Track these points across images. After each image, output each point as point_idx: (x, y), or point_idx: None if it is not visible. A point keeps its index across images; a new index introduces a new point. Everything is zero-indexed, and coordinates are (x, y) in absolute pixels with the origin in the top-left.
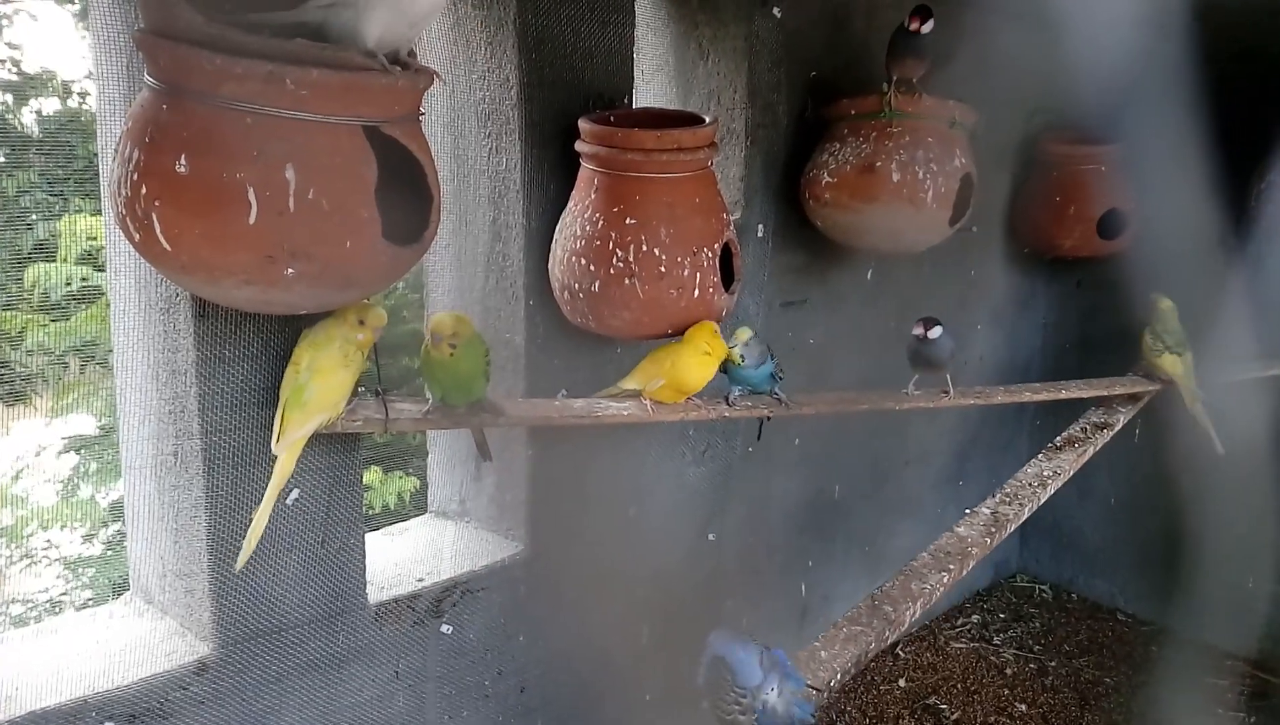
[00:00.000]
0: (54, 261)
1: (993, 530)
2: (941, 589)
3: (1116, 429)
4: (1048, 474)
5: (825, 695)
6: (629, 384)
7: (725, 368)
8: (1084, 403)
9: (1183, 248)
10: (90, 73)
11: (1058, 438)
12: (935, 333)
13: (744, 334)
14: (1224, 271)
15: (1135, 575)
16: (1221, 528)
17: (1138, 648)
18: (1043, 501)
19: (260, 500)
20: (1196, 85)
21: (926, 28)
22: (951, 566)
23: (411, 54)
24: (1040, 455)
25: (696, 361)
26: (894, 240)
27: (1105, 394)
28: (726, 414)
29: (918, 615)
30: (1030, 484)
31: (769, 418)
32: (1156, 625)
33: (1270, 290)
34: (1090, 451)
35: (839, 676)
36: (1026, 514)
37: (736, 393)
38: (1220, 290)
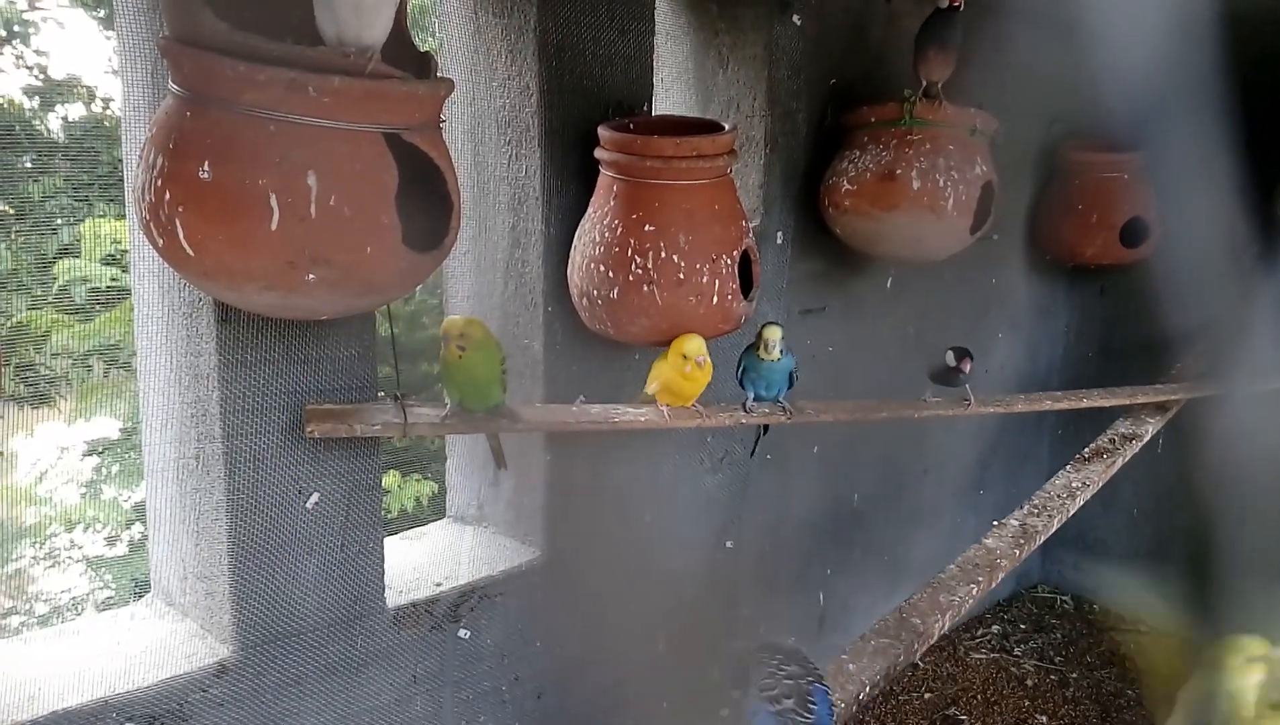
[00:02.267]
0: (78, 263)
1: (1021, 542)
2: (970, 601)
3: (1145, 440)
4: (1076, 485)
5: (852, 709)
6: (647, 390)
7: (744, 369)
8: (1105, 412)
9: (1207, 255)
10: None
11: (1085, 449)
12: (968, 367)
13: (775, 333)
14: (1249, 279)
15: (1158, 587)
16: (1246, 539)
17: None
18: (1072, 513)
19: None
20: (1221, 92)
21: None
22: (980, 578)
23: (435, 63)
24: (1068, 466)
25: (680, 371)
26: (914, 248)
27: (1127, 403)
28: (744, 421)
29: (946, 628)
30: (1059, 495)
31: (765, 431)
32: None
33: None
34: (1119, 462)
35: (867, 690)
36: (1056, 526)
37: (754, 400)
38: (1245, 298)
